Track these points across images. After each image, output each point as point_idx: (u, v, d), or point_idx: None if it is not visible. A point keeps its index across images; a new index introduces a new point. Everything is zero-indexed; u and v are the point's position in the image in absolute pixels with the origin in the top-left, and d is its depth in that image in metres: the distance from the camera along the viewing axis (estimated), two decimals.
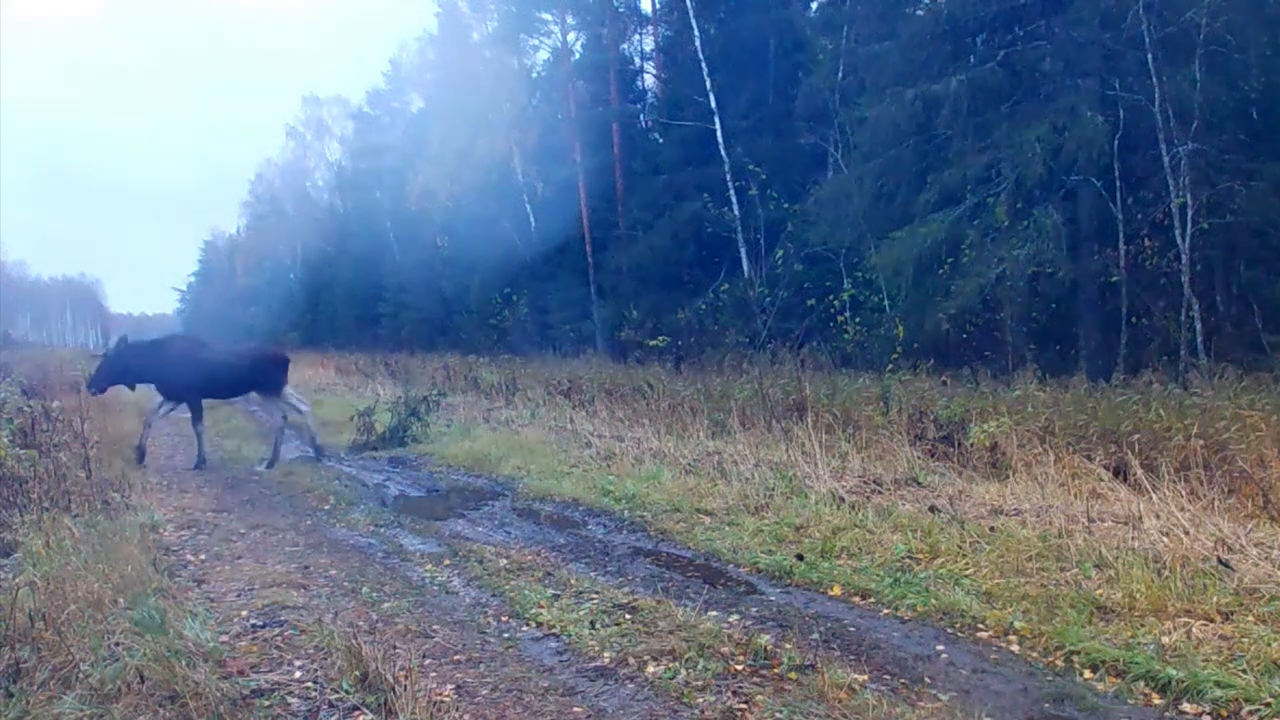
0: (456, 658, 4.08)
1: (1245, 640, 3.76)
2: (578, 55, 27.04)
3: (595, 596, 4.92)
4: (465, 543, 6.29)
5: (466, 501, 7.97)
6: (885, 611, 4.63)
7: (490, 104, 26.36)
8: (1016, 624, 4.21)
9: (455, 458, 10.09)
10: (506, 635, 4.41)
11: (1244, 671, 3.50)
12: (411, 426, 11.66)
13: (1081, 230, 12.37)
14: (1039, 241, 11.75)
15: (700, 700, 3.55)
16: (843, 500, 6.45)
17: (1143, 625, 4.05)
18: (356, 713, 3.44)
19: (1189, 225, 10.89)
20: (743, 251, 19.88)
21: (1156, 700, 3.49)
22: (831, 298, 16.59)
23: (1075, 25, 12.09)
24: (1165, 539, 4.92)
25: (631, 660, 3.98)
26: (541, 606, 4.76)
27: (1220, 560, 4.53)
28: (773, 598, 4.93)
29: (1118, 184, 11.84)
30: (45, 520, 5.58)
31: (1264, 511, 5.51)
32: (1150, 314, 11.92)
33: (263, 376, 10.43)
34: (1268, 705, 3.28)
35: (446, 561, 5.81)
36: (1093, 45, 11.98)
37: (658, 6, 25.14)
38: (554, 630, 4.44)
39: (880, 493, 6.75)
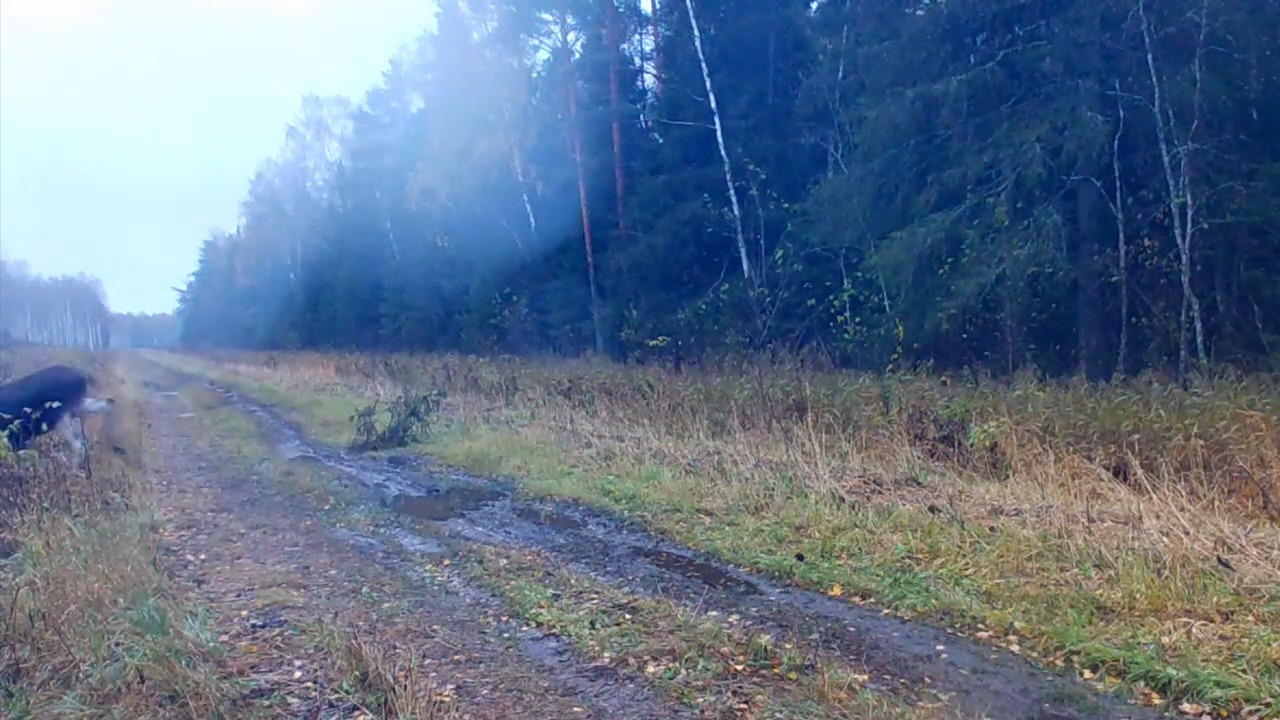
0: (456, 658, 4.08)
1: (1245, 640, 3.75)
2: (578, 55, 27.06)
3: (595, 596, 4.92)
4: (465, 543, 6.29)
5: (466, 501, 7.97)
6: (885, 611, 4.63)
7: (490, 104, 26.39)
8: (1016, 624, 4.21)
9: (455, 458, 10.09)
10: (506, 635, 4.41)
11: (1244, 671, 3.50)
12: (411, 426, 11.66)
13: (1081, 230, 12.37)
14: (1039, 241, 11.75)
15: (700, 700, 3.55)
16: (843, 500, 6.45)
17: (1143, 625, 4.05)
18: (356, 713, 3.44)
19: (1189, 225, 10.88)
20: (743, 251, 19.88)
21: (1156, 700, 3.49)
22: (831, 298, 16.58)
23: (1075, 25, 12.09)
24: (1165, 539, 4.92)
25: (631, 660, 3.98)
26: (541, 606, 4.76)
27: (1220, 560, 4.52)
28: (773, 598, 4.93)
29: (1118, 184, 11.83)
30: (45, 520, 5.58)
31: (1264, 511, 5.51)
32: (1150, 314, 11.91)
33: (64, 404, 8.39)
34: (1268, 705, 3.28)
35: (446, 561, 5.81)
36: (1093, 45, 11.98)
37: (658, 6, 25.17)
38: (554, 630, 4.44)
39: (880, 493, 6.75)
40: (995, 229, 12.40)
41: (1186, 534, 4.90)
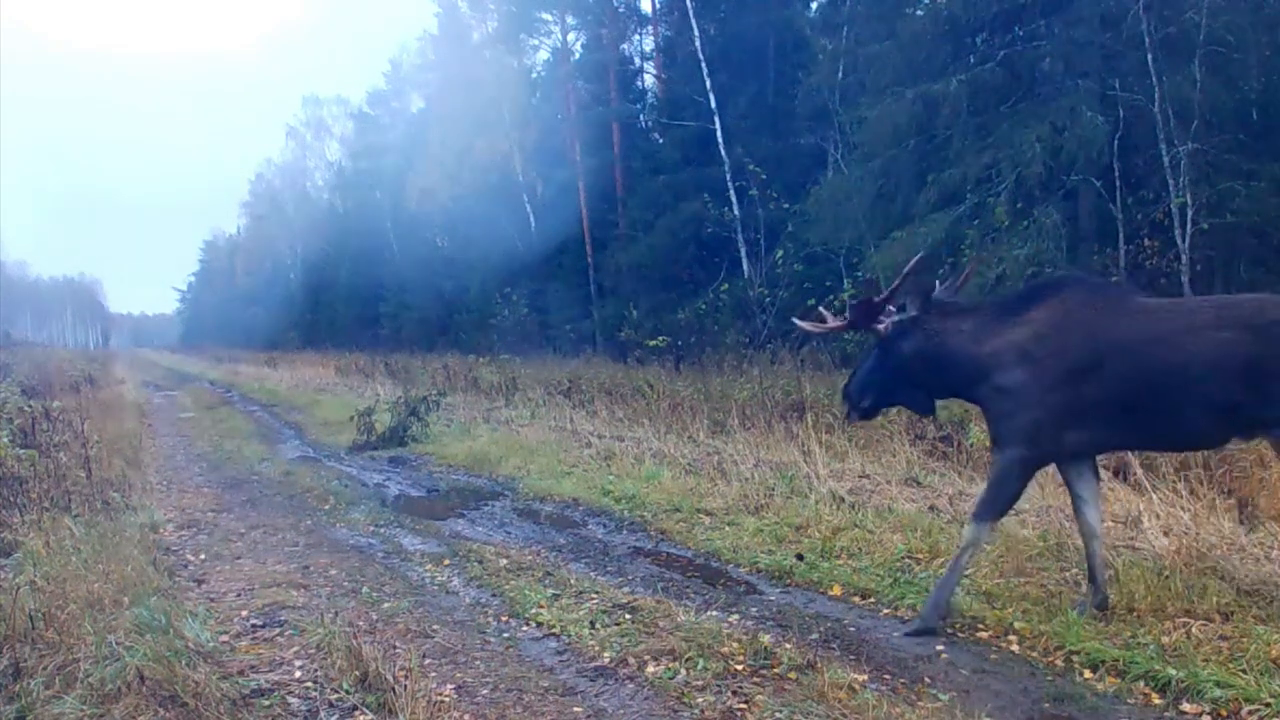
0: (456, 658, 4.08)
1: (1245, 640, 3.75)
2: (578, 55, 27.06)
3: (595, 596, 4.92)
4: (465, 542, 6.29)
5: (466, 501, 7.97)
6: (885, 611, 4.63)
7: (490, 104, 26.39)
8: (1016, 624, 4.21)
9: (455, 458, 10.09)
10: (506, 635, 4.41)
11: (1244, 671, 3.50)
12: (411, 426, 11.66)
13: (1081, 230, 12.37)
14: (1039, 241, 11.74)
15: (700, 700, 3.55)
16: (843, 500, 6.45)
17: (1143, 625, 4.05)
18: (356, 713, 3.44)
19: (1189, 225, 10.88)
20: (743, 251, 19.88)
21: (1156, 700, 3.48)
22: (831, 298, 16.56)
23: (1075, 25, 12.09)
24: (1165, 539, 4.92)
25: (631, 660, 3.98)
26: (541, 606, 4.76)
27: (1219, 561, 4.52)
28: (773, 598, 4.93)
29: (1118, 184, 11.83)
30: (45, 520, 5.58)
31: (1264, 511, 5.50)
32: None
33: None
34: (1268, 705, 3.28)
35: (446, 561, 5.81)
36: (1093, 45, 11.98)
37: (658, 6, 25.16)
38: (554, 630, 4.43)
39: (880, 493, 6.75)
40: (995, 229, 12.39)
41: (1186, 534, 4.90)
